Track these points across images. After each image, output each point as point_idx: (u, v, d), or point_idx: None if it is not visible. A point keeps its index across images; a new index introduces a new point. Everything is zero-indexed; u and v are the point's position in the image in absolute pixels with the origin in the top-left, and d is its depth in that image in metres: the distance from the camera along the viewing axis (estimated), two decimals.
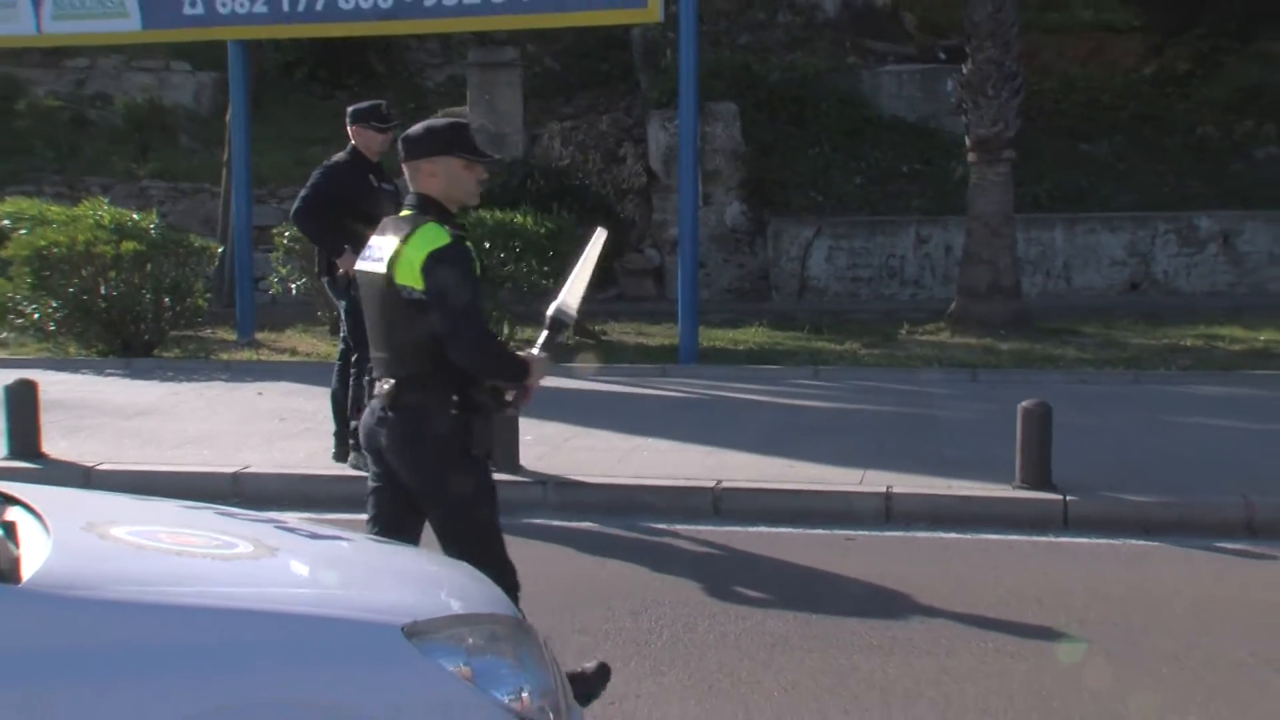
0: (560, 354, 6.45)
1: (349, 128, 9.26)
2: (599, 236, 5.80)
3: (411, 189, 5.16)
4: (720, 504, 8.81)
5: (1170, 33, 21.15)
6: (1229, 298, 18.34)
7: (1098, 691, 5.88)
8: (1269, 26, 19.52)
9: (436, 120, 5.34)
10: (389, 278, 4.99)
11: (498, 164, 4.95)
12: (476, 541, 5.03)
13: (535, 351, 5.43)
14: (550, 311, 5.58)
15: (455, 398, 4.97)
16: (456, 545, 4.98)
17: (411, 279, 4.94)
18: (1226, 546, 8.03)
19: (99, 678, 3.11)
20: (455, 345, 4.92)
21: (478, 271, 5.06)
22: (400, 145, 5.22)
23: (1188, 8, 20.46)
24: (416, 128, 5.23)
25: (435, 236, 4.95)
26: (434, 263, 4.92)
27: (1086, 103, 21.24)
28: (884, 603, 7.13)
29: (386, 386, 5.03)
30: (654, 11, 13.81)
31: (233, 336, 15.13)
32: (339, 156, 9.35)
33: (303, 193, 9.29)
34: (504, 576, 4.86)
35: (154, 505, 4.30)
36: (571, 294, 5.63)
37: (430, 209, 5.09)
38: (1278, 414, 11.48)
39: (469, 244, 5.04)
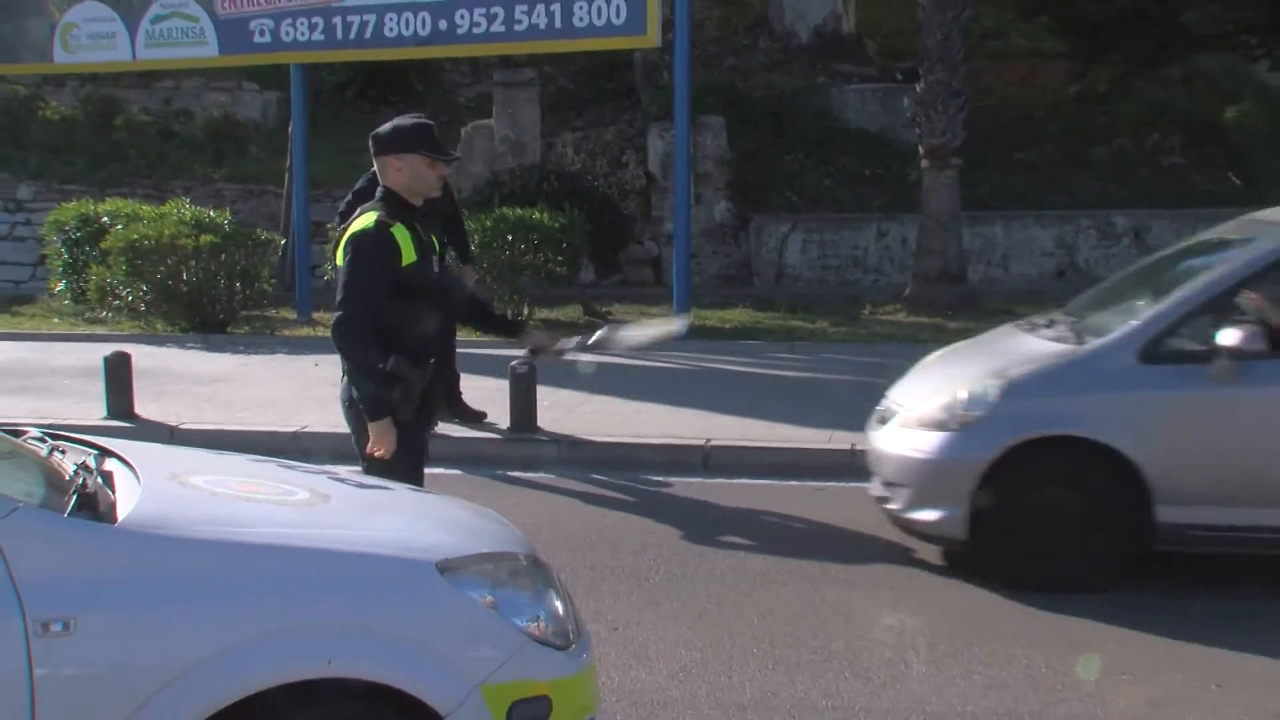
0: (572, 330, 6.46)
1: None
2: (679, 326, 5.68)
3: (380, 182, 5.01)
4: (709, 459, 8.81)
5: (1091, 59, 21.02)
6: None
7: (1025, 611, 5.89)
8: (1171, 55, 19.44)
9: (404, 120, 5.13)
10: (335, 260, 4.99)
11: (458, 160, 4.84)
12: None
13: (572, 343, 5.38)
14: (601, 333, 5.53)
15: (380, 366, 4.79)
16: None
17: (340, 258, 4.91)
18: None
19: (181, 603, 3.14)
20: (333, 318, 4.84)
21: (406, 259, 4.82)
22: (370, 142, 5.07)
23: (1105, 38, 20.33)
24: (385, 127, 5.08)
25: (364, 222, 4.85)
26: (348, 245, 4.85)
27: (1021, 118, 21.14)
28: (849, 543, 7.13)
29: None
30: (653, 38, 13.80)
31: (293, 316, 15.10)
32: None
33: (346, 197, 9.29)
34: None
35: (226, 458, 4.31)
36: (629, 338, 5.60)
37: (387, 200, 4.93)
38: None
39: (397, 232, 4.80)
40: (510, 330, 5.77)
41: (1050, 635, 5.67)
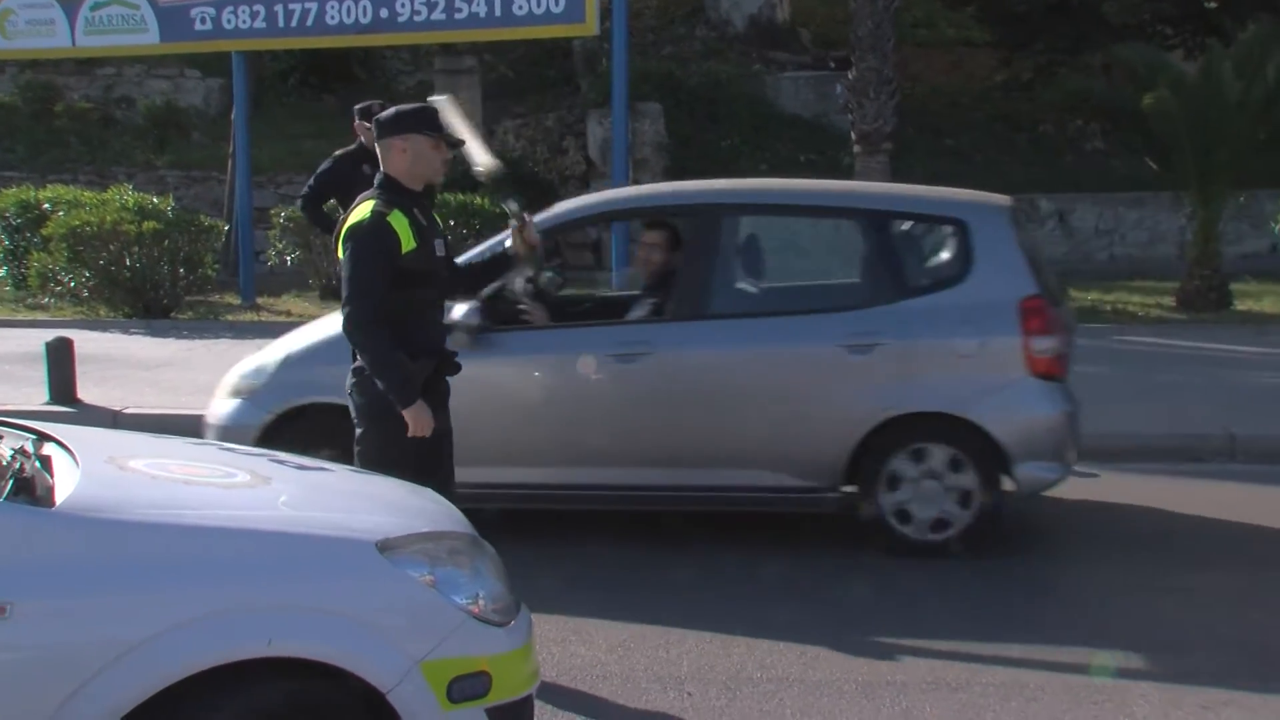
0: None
1: (355, 123, 9.04)
2: (447, 101, 5.38)
3: (381, 168, 4.90)
4: None
5: (1016, 48, 21.24)
6: (1063, 264, 18.39)
7: (956, 582, 5.94)
8: (1092, 44, 19.66)
9: (406, 105, 5.09)
10: (336, 252, 4.87)
11: (460, 144, 4.75)
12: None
13: (510, 206, 5.18)
14: (478, 172, 5.54)
15: (397, 354, 4.69)
16: None
17: (341, 251, 4.80)
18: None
19: (120, 586, 3.09)
20: (343, 314, 4.72)
21: (405, 247, 4.69)
22: (374, 127, 4.98)
23: (1030, 27, 20.55)
24: (387, 111, 5.01)
25: (360, 213, 4.74)
26: (347, 238, 4.74)
27: (949, 105, 21.32)
28: (788, 518, 7.11)
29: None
30: (591, 26, 13.76)
31: (237, 301, 14.93)
32: (348, 149, 9.21)
33: (309, 181, 9.21)
34: None
35: (166, 442, 4.24)
36: (478, 153, 5.46)
37: (385, 188, 4.81)
38: (1103, 360, 11.59)
39: (394, 220, 4.68)
40: (508, 263, 5.51)
41: (969, 607, 5.72)
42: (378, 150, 4.92)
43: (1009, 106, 21.13)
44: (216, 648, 3.09)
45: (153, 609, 3.07)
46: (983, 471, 6.28)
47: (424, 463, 4.73)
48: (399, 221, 4.70)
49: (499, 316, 6.53)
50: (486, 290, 6.04)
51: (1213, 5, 20.09)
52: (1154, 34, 19.67)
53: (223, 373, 7.04)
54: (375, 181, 4.90)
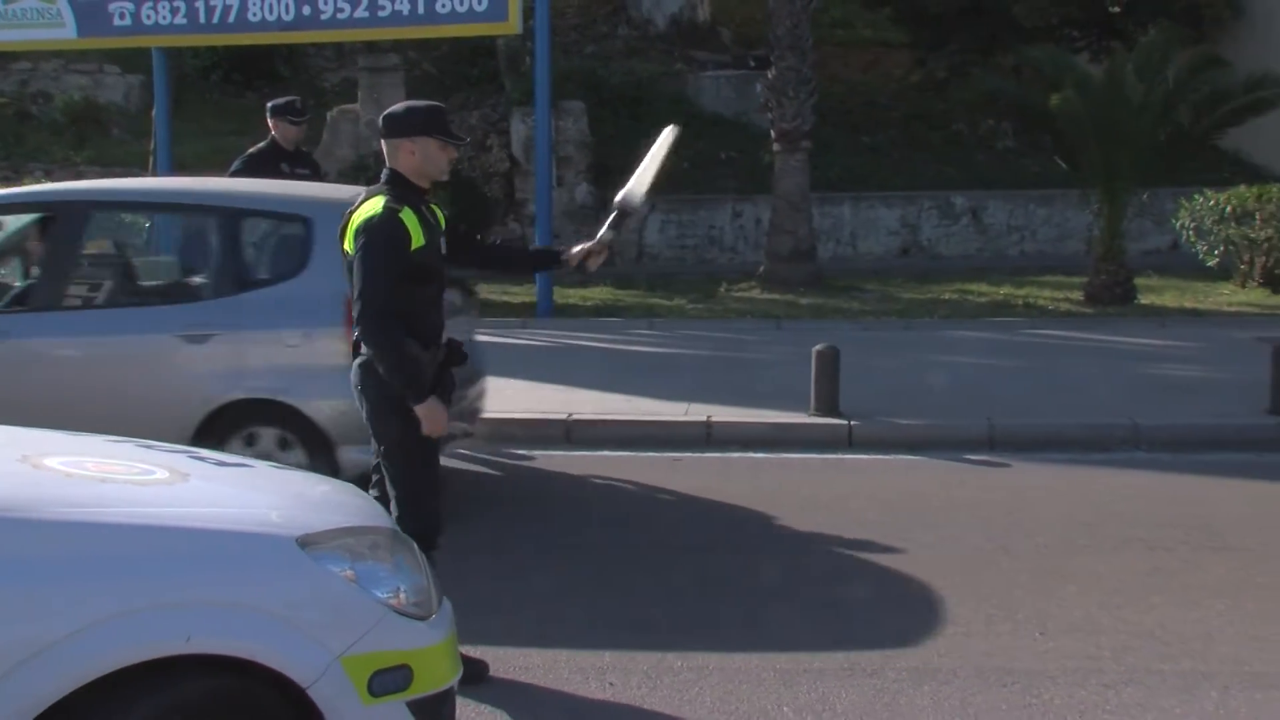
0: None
1: (269, 120, 8.87)
2: (670, 132, 5.33)
3: (386, 164, 4.79)
4: (571, 433, 8.80)
5: (931, 48, 21.46)
6: (977, 260, 18.74)
7: (875, 571, 6.01)
8: (1003, 45, 19.92)
9: (417, 103, 4.95)
10: (343, 246, 4.77)
11: (469, 146, 4.63)
12: (402, 483, 4.71)
13: (601, 233, 5.10)
14: (617, 199, 5.27)
15: (410, 350, 4.63)
16: (391, 484, 4.71)
17: (350, 245, 4.70)
18: (973, 458, 8.23)
19: (35, 584, 3.02)
20: (356, 309, 4.63)
21: (415, 243, 4.61)
22: (381, 123, 4.83)
23: (944, 29, 20.78)
24: (398, 108, 4.88)
25: (372, 207, 4.63)
26: (361, 231, 4.63)
27: (867, 104, 21.50)
28: (703, 511, 7.20)
29: (354, 336, 4.76)
30: (514, 25, 13.70)
31: None
32: (259, 146, 8.97)
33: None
34: (422, 522, 4.56)
35: (82, 439, 4.15)
36: (639, 184, 5.29)
37: (393, 183, 4.72)
38: (1014, 352, 11.79)
39: (406, 217, 4.60)
40: (555, 260, 5.45)
41: (882, 595, 5.79)
42: (384, 147, 4.82)
43: (924, 105, 21.37)
44: (134, 645, 3.04)
45: (69, 607, 3.01)
46: (311, 453, 6.46)
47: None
48: (409, 218, 4.63)
49: None
50: None
51: (1116, 10, 20.45)
52: (1062, 37, 19.99)
53: None
54: (382, 177, 4.81)
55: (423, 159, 4.74)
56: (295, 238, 6.76)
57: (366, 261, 4.60)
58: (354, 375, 4.80)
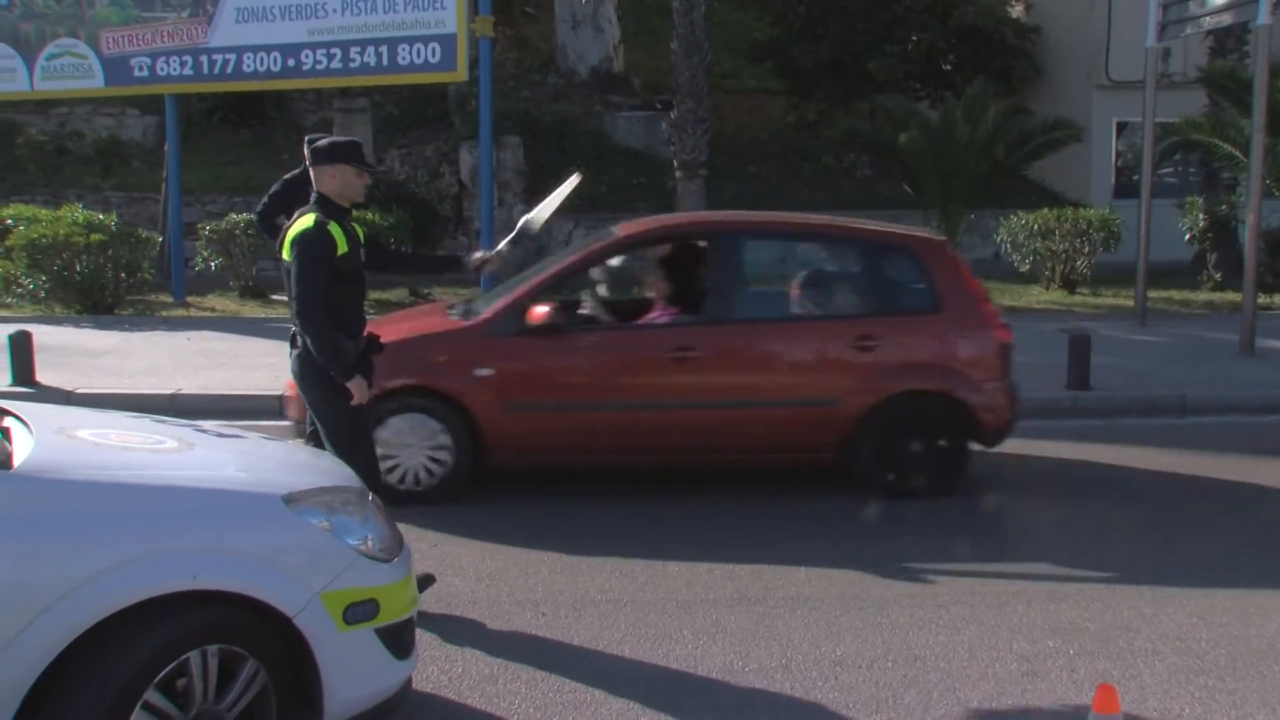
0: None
1: (305, 151, 8.69)
2: (574, 179, 5.34)
3: (314, 188, 4.81)
4: None
5: (804, 95, 21.62)
6: None
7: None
8: (860, 94, 20.15)
9: (339, 138, 4.99)
10: (281, 255, 4.76)
11: (382, 172, 4.65)
12: (339, 440, 4.72)
13: (500, 247, 5.19)
14: (520, 222, 5.29)
15: (339, 338, 4.62)
16: (330, 443, 4.73)
17: (287, 254, 4.70)
18: None
19: (70, 533, 3.02)
20: (295, 307, 4.62)
21: (340, 250, 4.63)
22: (309, 153, 4.86)
23: (814, 80, 20.94)
24: (323, 141, 4.90)
25: (304, 222, 4.65)
26: (296, 243, 4.64)
27: (752, 140, 21.61)
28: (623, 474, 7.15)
29: (292, 330, 4.76)
30: (461, 74, 13.66)
31: (170, 300, 14.41)
32: (295, 171, 8.80)
33: (263, 199, 8.82)
34: (363, 462, 4.57)
35: (108, 415, 4.12)
36: (540, 214, 5.31)
37: (321, 203, 4.74)
38: None
39: (333, 229, 4.61)
40: (448, 264, 5.47)
41: (761, 536, 5.87)
42: (311, 173, 4.84)
43: (798, 142, 21.53)
44: (151, 581, 3.04)
45: (96, 551, 3.01)
46: None
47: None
48: (335, 230, 4.65)
49: None
50: None
51: (949, 68, 20.79)
52: (907, 88, 20.21)
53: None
54: (311, 199, 4.82)
55: (342, 183, 4.77)
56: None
57: (302, 267, 4.60)
58: (293, 365, 4.80)
